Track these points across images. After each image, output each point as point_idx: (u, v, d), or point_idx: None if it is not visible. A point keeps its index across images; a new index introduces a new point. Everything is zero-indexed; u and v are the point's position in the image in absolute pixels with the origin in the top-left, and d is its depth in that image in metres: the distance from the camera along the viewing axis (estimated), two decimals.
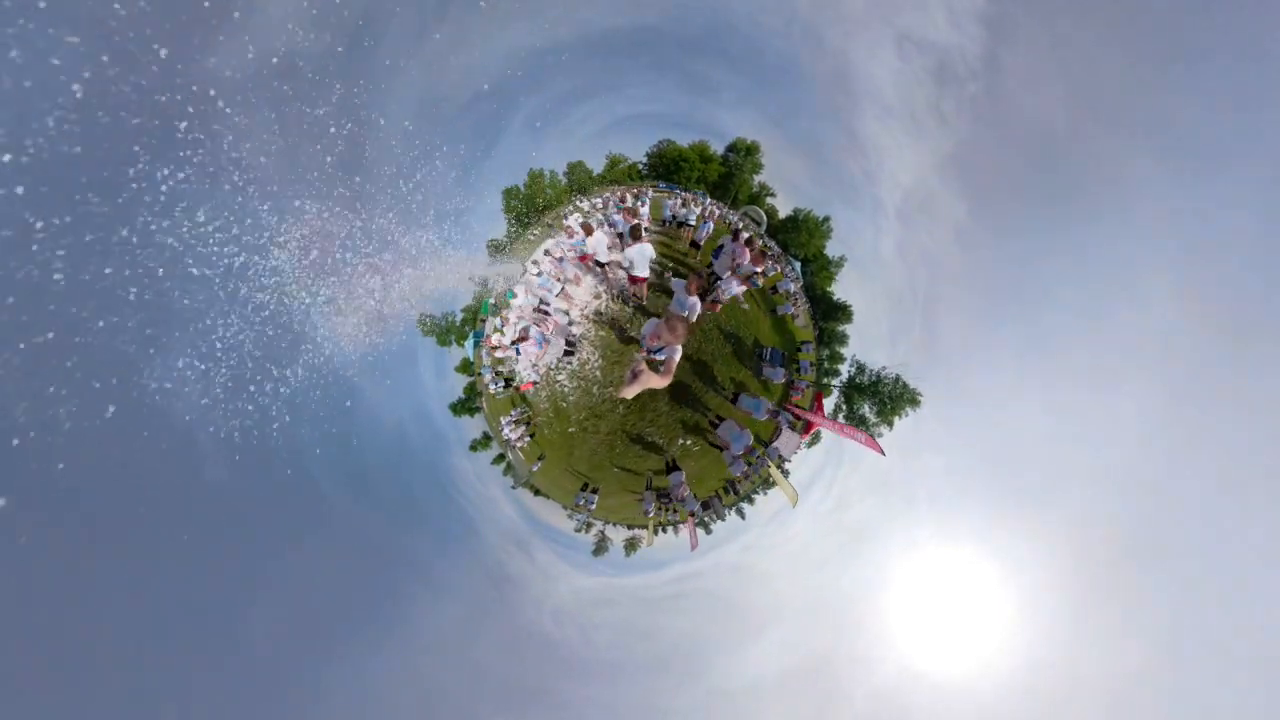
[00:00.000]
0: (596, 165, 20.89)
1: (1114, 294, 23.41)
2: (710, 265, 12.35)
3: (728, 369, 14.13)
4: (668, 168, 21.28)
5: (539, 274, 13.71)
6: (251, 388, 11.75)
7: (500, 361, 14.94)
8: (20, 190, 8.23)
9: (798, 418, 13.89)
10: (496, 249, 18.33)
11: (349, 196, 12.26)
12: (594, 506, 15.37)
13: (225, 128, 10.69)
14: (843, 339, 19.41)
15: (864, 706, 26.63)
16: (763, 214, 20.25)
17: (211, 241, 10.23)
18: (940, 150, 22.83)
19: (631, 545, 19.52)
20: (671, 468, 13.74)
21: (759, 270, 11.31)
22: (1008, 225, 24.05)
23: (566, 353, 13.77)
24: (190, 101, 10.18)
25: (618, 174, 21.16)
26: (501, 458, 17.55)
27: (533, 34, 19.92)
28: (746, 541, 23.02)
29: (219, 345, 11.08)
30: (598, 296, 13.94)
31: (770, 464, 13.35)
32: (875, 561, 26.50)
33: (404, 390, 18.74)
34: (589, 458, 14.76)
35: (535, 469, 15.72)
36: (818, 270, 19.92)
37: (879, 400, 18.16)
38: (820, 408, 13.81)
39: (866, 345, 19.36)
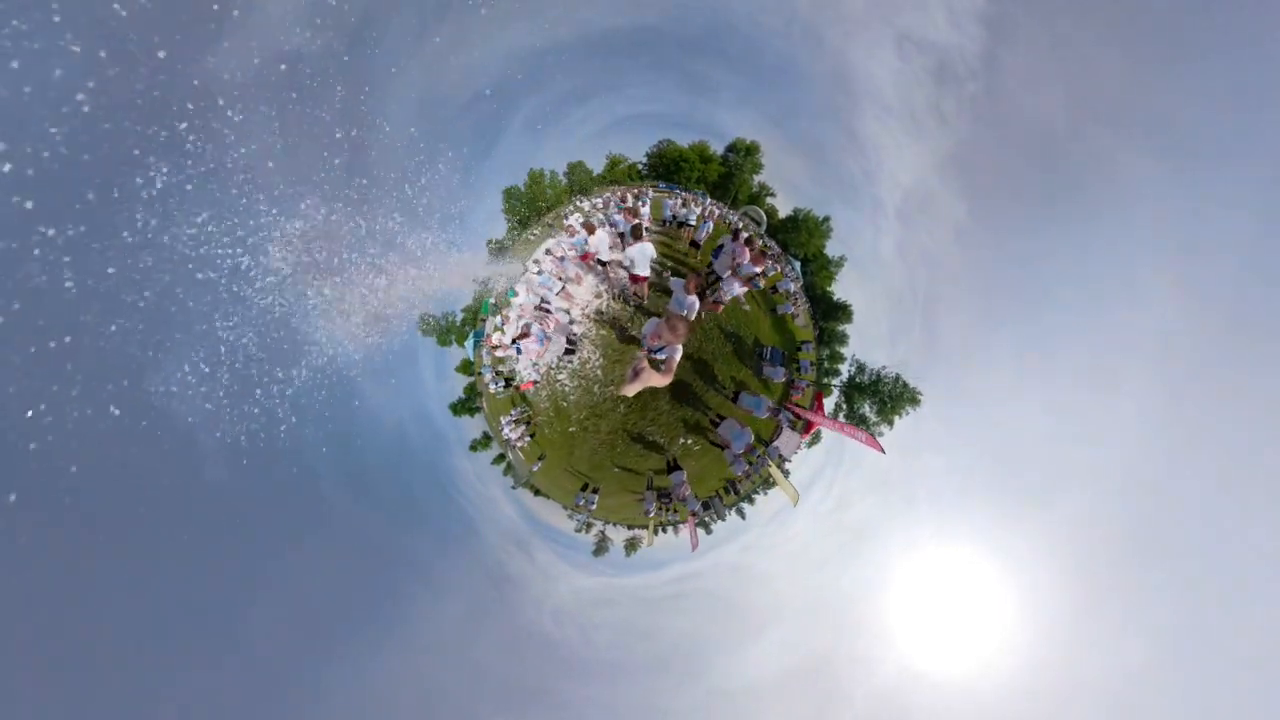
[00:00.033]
0: (596, 165, 20.94)
1: (1114, 294, 23.45)
2: (710, 265, 12.38)
3: (728, 368, 14.14)
4: (668, 168, 21.30)
5: (539, 273, 13.72)
6: (255, 389, 11.76)
7: (500, 361, 14.95)
8: (17, 197, 8.24)
9: (798, 417, 13.89)
10: (497, 249, 18.34)
11: (350, 197, 12.26)
12: (594, 506, 15.37)
13: (226, 128, 10.69)
14: (843, 339, 19.42)
15: (864, 706, 26.65)
16: (763, 214, 20.26)
17: (212, 243, 10.24)
18: (940, 150, 22.87)
19: (632, 545, 19.52)
20: (673, 467, 13.74)
21: (759, 270, 11.32)
22: (1008, 225, 24.09)
23: (567, 351, 13.78)
24: (191, 103, 10.19)
25: (618, 174, 21.17)
26: (501, 458, 17.55)
27: (533, 34, 19.95)
28: (746, 541, 23.07)
29: (221, 347, 11.08)
30: (599, 296, 13.95)
31: (771, 463, 13.36)
32: (875, 561, 26.53)
33: (404, 390, 18.77)
34: (589, 457, 14.76)
35: (535, 469, 15.72)
36: (818, 270, 19.93)
37: (879, 399, 18.17)
38: (820, 407, 13.81)
39: (866, 345, 19.41)
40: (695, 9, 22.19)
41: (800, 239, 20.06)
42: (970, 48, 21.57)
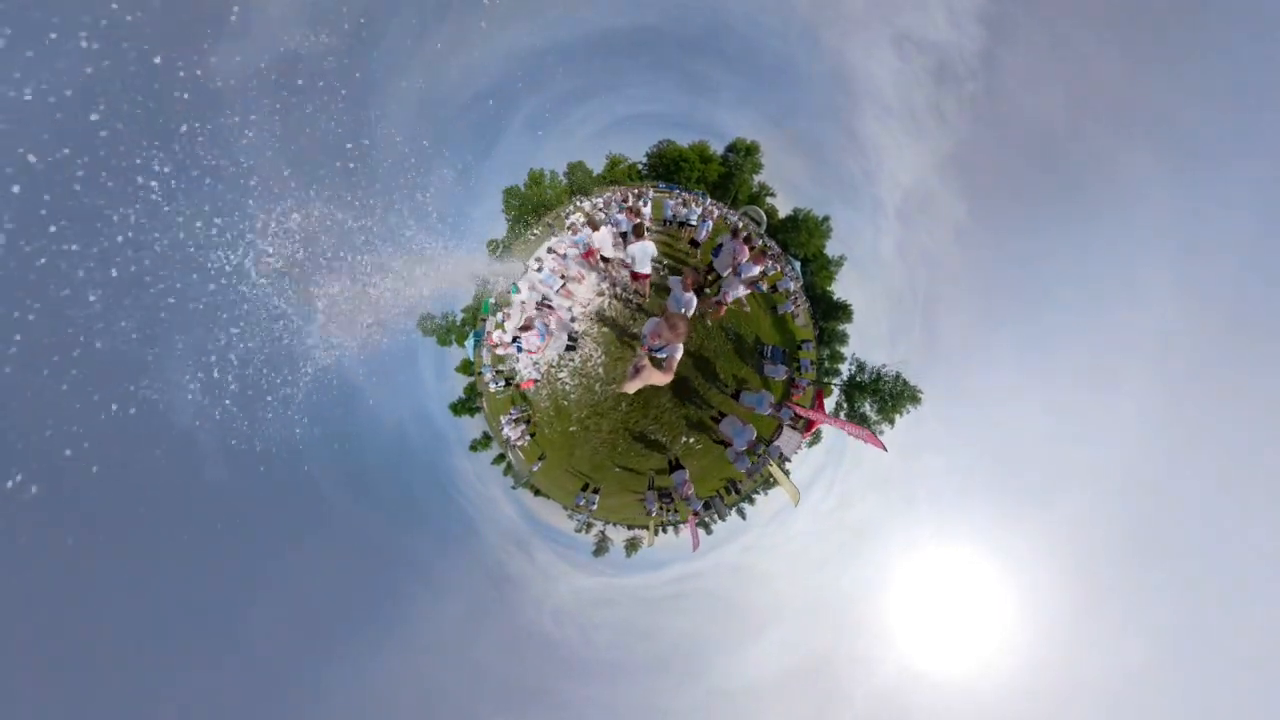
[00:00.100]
0: (596, 165, 20.94)
1: (1114, 294, 23.45)
2: (710, 264, 12.41)
3: (730, 366, 14.14)
4: (668, 168, 21.29)
5: (540, 270, 13.75)
6: (254, 390, 11.75)
7: (501, 360, 14.94)
8: (18, 192, 8.24)
9: (799, 416, 13.89)
10: (497, 249, 18.33)
11: (351, 197, 12.27)
12: (595, 507, 15.37)
13: (226, 130, 10.70)
14: (843, 338, 19.41)
15: (864, 706, 26.65)
16: (763, 214, 20.25)
17: (211, 244, 10.24)
18: (940, 150, 22.88)
19: (632, 545, 19.52)
20: (675, 466, 13.74)
21: (760, 270, 11.34)
22: (1008, 225, 24.10)
23: (568, 348, 13.79)
24: (192, 103, 10.19)
25: (618, 174, 21.17)
26: (502, 458, 17.54)
27: (533, 34, 19.97)
28: (747, 541, 23.09)
29: (222, 348, 11.09)
30: (600, 294, 13.96)
31: (772, 462, 13.36)
32: (875, 561, 26.54)
33: (404, 390, 18.78)
34: (590, 457, 14.75)
35: (535, 469, 15.71)
36: (817, 270, 19.92)
37: (879, 398, 18.15)
38: (821, 406, 13.82)
39: (866, 345, 19.40)
40: (695, 9, 22.23)
41: (800, 239, 20.05)
42: (970, 48, 21.60)
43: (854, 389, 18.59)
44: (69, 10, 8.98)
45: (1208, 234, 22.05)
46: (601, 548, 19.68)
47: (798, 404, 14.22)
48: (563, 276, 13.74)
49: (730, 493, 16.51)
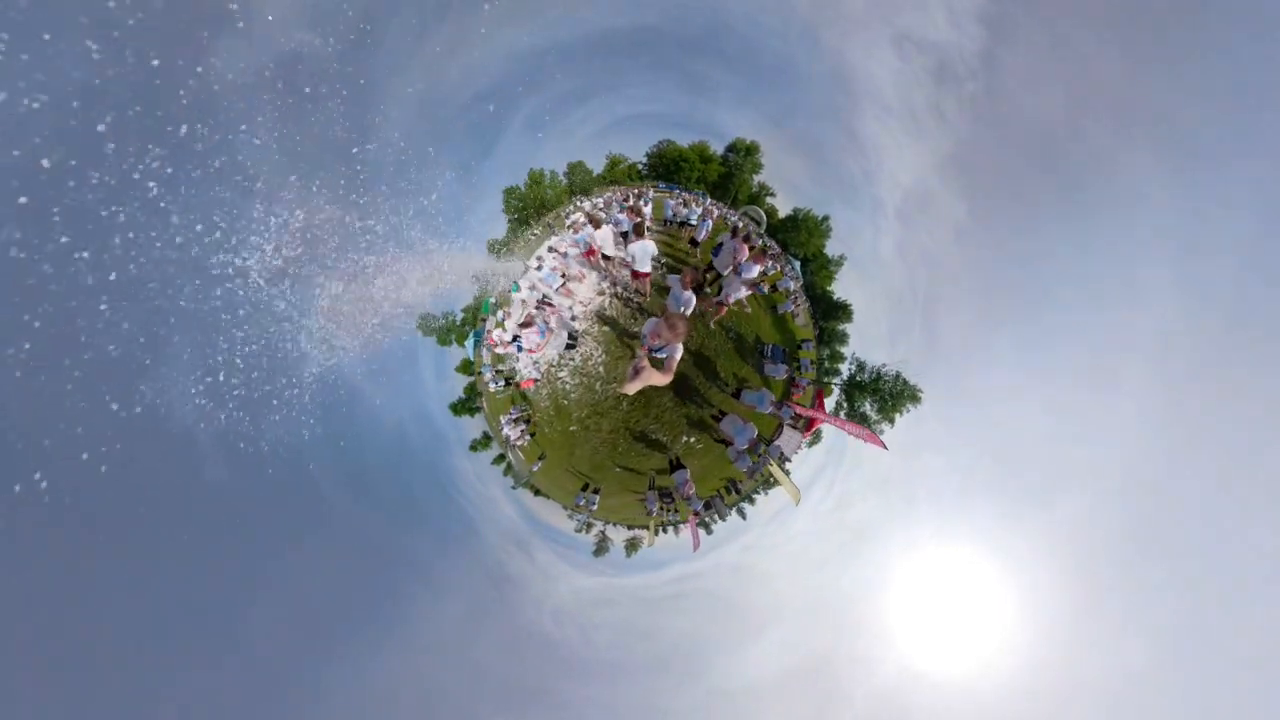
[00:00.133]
0: (597, 165, 20.95)
1: (1114, 294, 23.44)
2: (710, 263, 12.42)
3: (730, 364, 14.14)
4: (668, 168, 21.30)
5: (540, 268, 13.76)
6: (256, 391, 11.76)
7: (500, 359, 14.94)
8: (23, 199, 8.24)
9: (799, 415, 13.90)
10: (497, 248, 18.34)
11: (352, 198, 12.29)
12: (595, 507, 15.36)
13: (228, 130, 10.71)
14: (843, 338, 19.41)
15: (864, 706, 26.66)
16: (762, 214, 20.26)
17: (215, 248, 10.26)
18: (940, 150, 22.87)
19: (632, 545, 19.52)
20: (675, 466, 13.74)
21: (760, 270, 11.34)
22: (1008, 225, 24.09)
23: (568, 346, 13.79)
24: (193, 105, 10.20)
25: (618, 174, 21.18)
26: (501, 458, 17.54)
27: (533, 34, 19.98)
28: (747, 541, 23.10)
29: (223, 348, 11.10)
30: (601, 293, 13.96)
31: (772, 462, 13.36)
32: (875, 561, 26.55)
33: (404, 390, 18.79)
34: (590, 457, 14.75)
35: (535, 469, 15.71)
36: (817, 269, 19.92)
37: (879, 397, 18.15)
38: (821, 405, 13.82)
39: (866, 345, 19.40)
40: (695, 9, 22.23)
41: (800, 238, 20.05)
42: (970, 47, 21.59)
43: (854, 388, 18.59)
44: (69, 11, 8.99)
45: (1208, 234, 22.07)
46: (601, 548, 19.69)
47: (798, 403, 14.23)
48: (563, 275, 13.75)
49: (731, 492, 16.51)
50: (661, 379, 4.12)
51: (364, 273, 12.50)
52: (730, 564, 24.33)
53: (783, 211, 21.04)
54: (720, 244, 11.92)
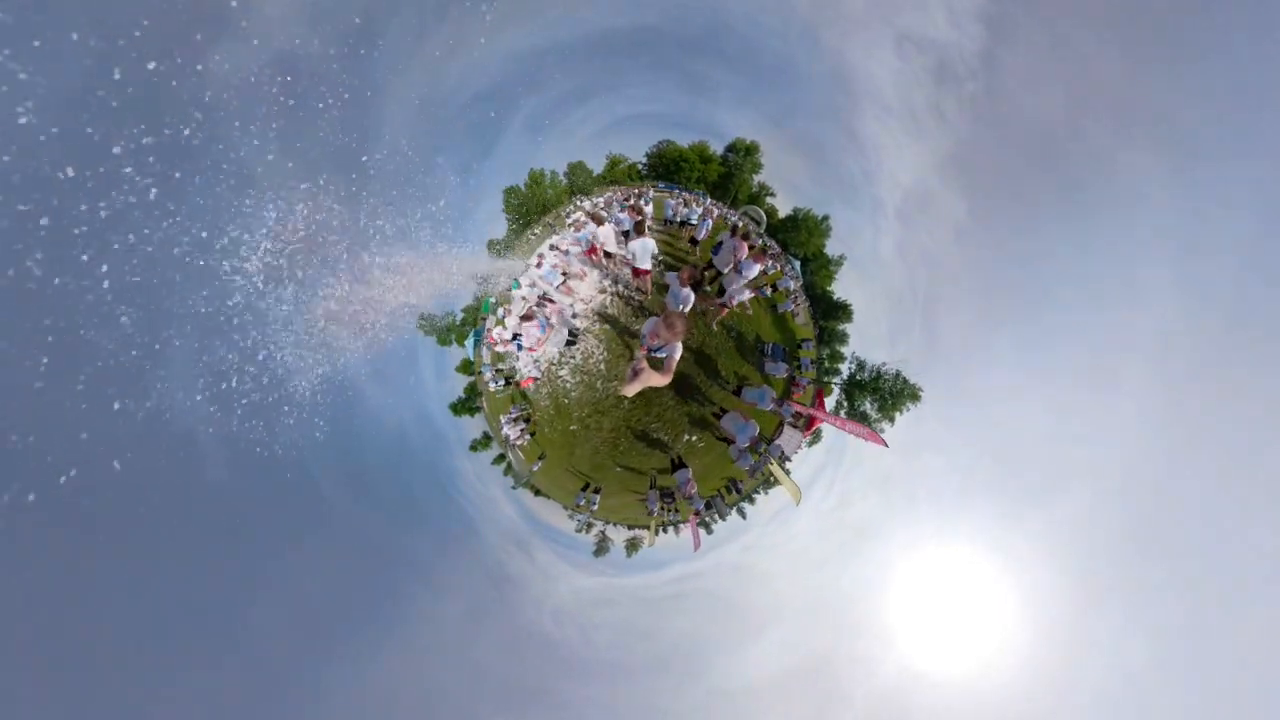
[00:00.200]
0: (597, 165, 20.94)
1: (1114, 294, 23.43)
2: (710, 261, 12.44)
3: (730, 363, 14.15)
4: (668, 168, 21.30)
5: (541, 266, 13.77)
6: (257, 392, 11.77)
7: (500, 359, 14.94)
8: (23, 205, 8.24)
9: (800, 414, 13.91)
10: (497, 249, 18.35)
11: (353, 198, 12.29)
12: (596, 507, 15.36)
13: (229, 131, 10.72)
14: (843, 338, 19.42)
15: (864, 706, 26.63)
16: (762, 213, 20.27)
17: (218, 251, 10.27)
18: (940, 150, 22.85)
19: (633, 545, 19.52)
20: (677, 465, 13.75)
21: (760, 269, 11.36)
22: (1008, 225, 24.06)
23: (568, 343, 13.80)
24: (194, 106, 10.21)
25: (618, 174, 21.18)
26: (502, 458, 17.54)
27: (533, 34, 19.97)
28: (747, 541, 23.09)
29: (224, 349, 11.11)
30: (601, 290, 13.97)
31: (773, 461, 13.36)
32: (876, 561, 26.53)
33: (404, 390, 18.77)
34: (590, 457, 14.75)
35: (536, 469, 15.71)
36: (817, 269, 19.93)
37: (880, 396, 18.16)
38: (821, 404, 13.83)
39: (866, 345, 19.39)
40: (695, 9, 22.20)
41: (800, 238, 20.06)
42: (970, 47, 21.56)
43: (854, 387, 18.60)
44: (68, 13, 8.99)
45: (1208, 234, 22.04)
46: (602, 548, 19.69)
47: (798, 402, 14.24)
48: (564, 273, 13.76)
49: (731, 492, 16.51)
50: (661, 380, 4.11)
51: (365, 273, 12.52)
52: (730, 564, 24.34)
53: (783, 211, 21.04)
54: (720, 242, 11.93)
